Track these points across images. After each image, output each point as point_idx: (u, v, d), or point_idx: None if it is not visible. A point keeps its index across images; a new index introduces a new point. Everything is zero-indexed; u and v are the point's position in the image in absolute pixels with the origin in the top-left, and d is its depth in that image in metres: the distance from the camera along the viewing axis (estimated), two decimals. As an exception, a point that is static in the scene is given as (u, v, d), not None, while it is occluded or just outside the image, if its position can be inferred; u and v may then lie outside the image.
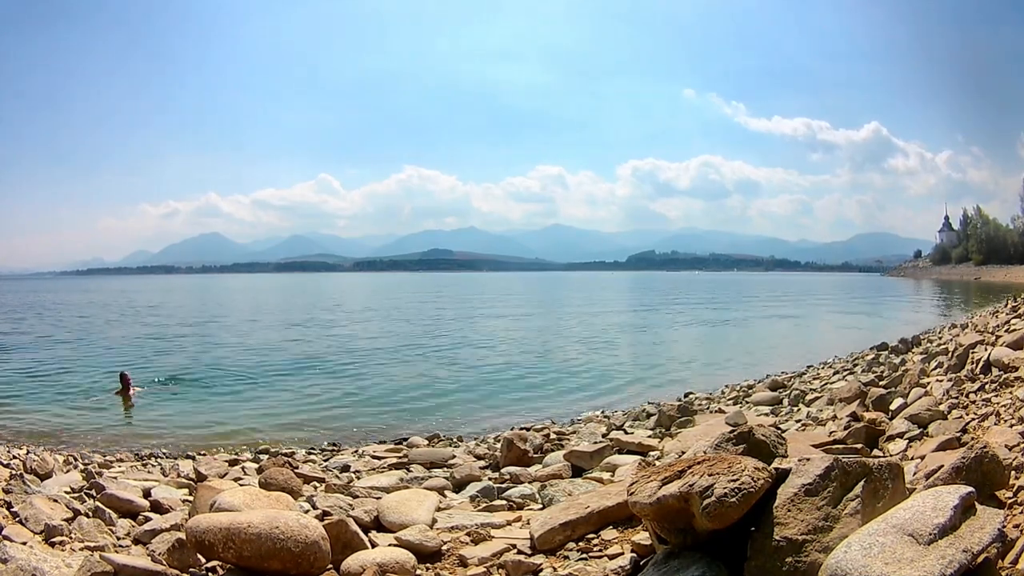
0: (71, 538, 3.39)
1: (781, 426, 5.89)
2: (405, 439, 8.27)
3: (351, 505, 4.07)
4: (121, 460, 6.91)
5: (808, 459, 2.38)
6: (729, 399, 9.62)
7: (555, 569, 2.97)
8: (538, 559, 3.10)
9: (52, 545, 3.24)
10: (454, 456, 6.74)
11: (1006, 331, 5.70)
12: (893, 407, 5.00)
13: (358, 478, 5.86)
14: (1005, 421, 3.40)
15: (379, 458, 6.93)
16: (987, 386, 4.27)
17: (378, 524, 3.75)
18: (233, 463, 6.51)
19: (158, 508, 4.32)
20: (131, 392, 11.16)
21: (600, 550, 3.10)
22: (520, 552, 3.21)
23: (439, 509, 4.08)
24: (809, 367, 12.45)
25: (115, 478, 5.26)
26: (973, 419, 3.72)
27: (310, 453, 7.57)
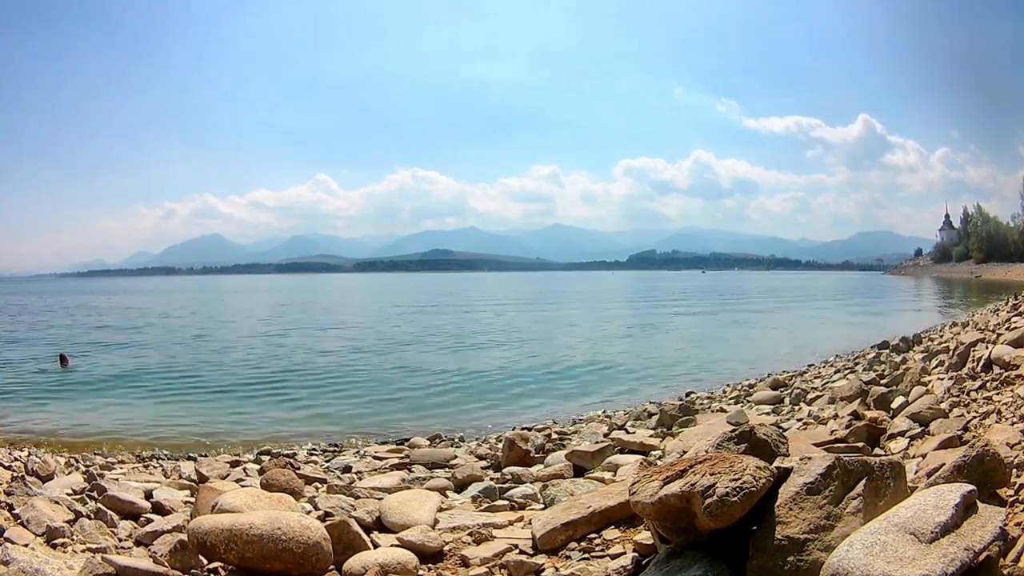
0: (73, 540, 3.39)
1: (782, 425, 5.88)
2: (407, 439, 8.27)
3: (353, 506, 4.07)
4: (123, 462, 6.91)
5: (810, 458, 2.38)
6: (730, 398, 9.62)
7: (557, 569, 2.97)
8: (540, 559, 3.10)
9: (54, 547, 3.24)
10: (455, 456, 6.74)
11: (1007, 329, 5.70)
12: (894, 405, 4.99)
13: (360, 479, 5.86)
14: (1006, 419, 3.40)
15: (381, 459, 6.93)
16: (988, 384, 4.27)
17: (380, 525, 3.75)
18: (234, 464, 6.51)
19: (160, 510, 4.32)
20: (67, 365, 15.47)
21: (602, 550, 3.10)
22: (522, 552, 3.21)
23: (441, 509, 4.08)
24: (810, 366, 12.46)
25: (117, 480, 5.26)
26: (974, 417, 3.72)
27: (311, 454, 7.58)
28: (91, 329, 26.56)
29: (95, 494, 4.49)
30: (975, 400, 4.12)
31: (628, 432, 6.92)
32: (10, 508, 3.56)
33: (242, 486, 4.63)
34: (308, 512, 3.87)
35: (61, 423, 9.48)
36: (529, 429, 7.95)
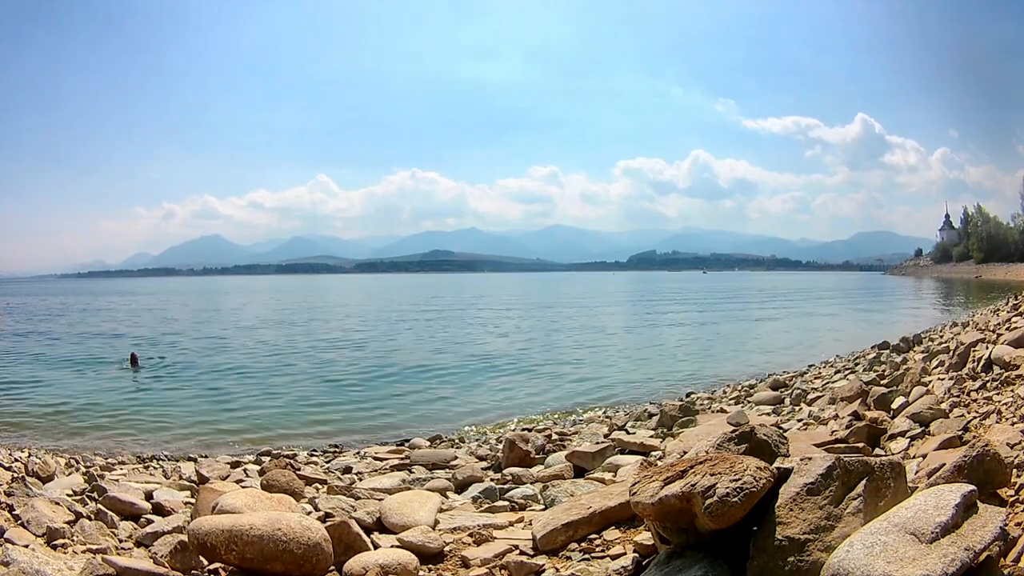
0: (73, 540, 3.39)
1: (783, 425, 5.88)
2: (407, 440, 8.27)
3: (353, 507, 4.08)
4: (123, 462, 6.91)
5: (810, 458, 2.38)
6: (731, 399, 9.61)
7: (557, 570, 2.97)
8: (540, 560, 3.10)
9: (54, 547, 3.24)
10: (456, 457, 6.74)
11: (1007, 329, 5.70)
12: (895, 406, 4.99)
13: (360, 480, 5.86)
14: (1007, 419, 3.40)
15: (381, 459, 6.93)
16: (988, 384, 4.26)
17: (380, 525, 3.75)
18: (235, 465, 6.51)
19: (160, 510, 4.33)
20: (137, 365, 15.18)
21: (602, 550, 3.10)
22: (522, 553, 3.21)
23: (441, 510, 4.09)
24: (810, 366, 12.44)
25: (117, 480, 5.26)
26: (975, 417, 3.72)
27: (312, 455, 7.57)
28: (124, 331, 26.20)
29: (95, 495, 4.49)
30: (975, 400, 4.11)
31: (628, 433, 6.92)
32: (10, 509, 3.56)
33: (242, 487, 4.62)
34: (309, 513, 3.88)
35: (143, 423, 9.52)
36: (529, 430, 7.94)
